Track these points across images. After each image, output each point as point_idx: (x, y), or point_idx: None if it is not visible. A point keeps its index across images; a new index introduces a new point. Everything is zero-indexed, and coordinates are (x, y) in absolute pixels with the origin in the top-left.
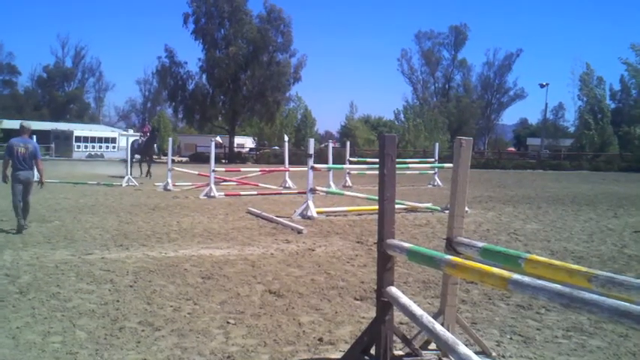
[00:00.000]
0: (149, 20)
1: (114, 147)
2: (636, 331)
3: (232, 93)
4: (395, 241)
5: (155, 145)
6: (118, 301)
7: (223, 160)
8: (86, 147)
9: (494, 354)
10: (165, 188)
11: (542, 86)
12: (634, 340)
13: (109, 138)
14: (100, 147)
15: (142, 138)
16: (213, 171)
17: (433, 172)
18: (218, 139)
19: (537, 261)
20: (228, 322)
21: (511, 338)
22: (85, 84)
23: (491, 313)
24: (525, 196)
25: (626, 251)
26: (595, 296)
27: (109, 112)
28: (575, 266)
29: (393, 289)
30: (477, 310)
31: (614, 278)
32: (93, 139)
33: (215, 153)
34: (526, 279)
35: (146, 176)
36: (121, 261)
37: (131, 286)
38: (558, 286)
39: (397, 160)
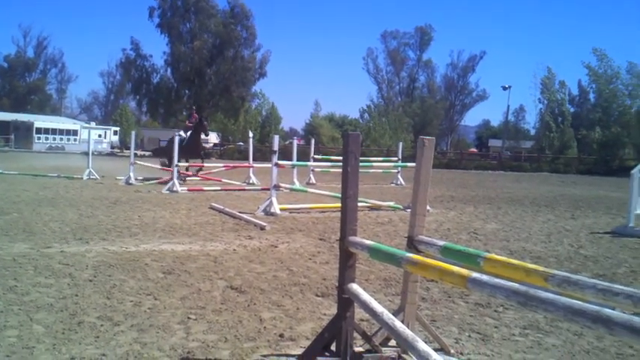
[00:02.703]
0: (114, 12)
1: (75, 139)
2: (590, 329)
3: (197, 88)
4: (357, 239)
5: (201, 141)
6: (76, 295)
7: None
8: (47, 139)
9: (452, 351)
10: (128, 182)
11: (504, 89)
12: (588, 339)
13: (70, 130)
14: (62, 139)
15: (182, 132)
16: (177, 166)
17: (396, 171)
18: (182, 133)
19: (496, 260)
20: (188, 318)
21: (469, 336)
22: (46, 75)
23: (450, 311)
24: (486, 196)
25: (582, 252)
26: (551, 295)
27: (71, 104)
28: (533, 265)
29: (354, 286)
30: (436, 307)
31: (569, 278)
32: (54, 131)
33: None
34: (484, 277)
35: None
36: (80, 255)
37: (90, 281)
38: (515, 285)
39: (361, 158)
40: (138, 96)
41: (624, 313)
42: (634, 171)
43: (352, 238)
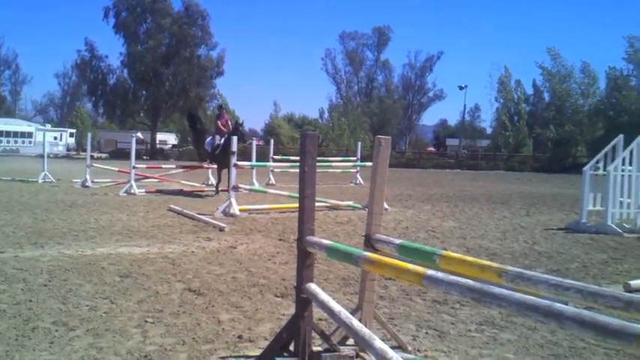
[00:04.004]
0: (69, 13)
1: (30, 142)
2: (543, 323)
3: (154, 88)
4: (314, 239)
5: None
6: (30, 300)
7: (145, 157)
8: (0, 142)
9: (410, 348)
10: (84, 185)
11: (460, 88)
12: (542, 333)
13: (25, 133)
14: (16, 142)
15: (218, 136)
16: (134, 167)
17: (355, 170)
18: (139, 135)
19: (451, 257)
20: (146, 321)
21: (427, 332)
22: (0, 76)
23: (408, 309)
24: (444, 194)
25: (536, 248)
26: (504, 291)
27: (25, 106)
28: (487, 262)
29: (313, 286)
30: (394, 305)
31: (523, 273)
32: (8, 134)
33: (136, 149)
34: (439, 274)
35: (218, 192)
36: (35, 259)
37: (45, 285)
38: (470, 282)
39: (320, 158)
40: (94, 97)
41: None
42: (586, 168)
43: (310, 238)
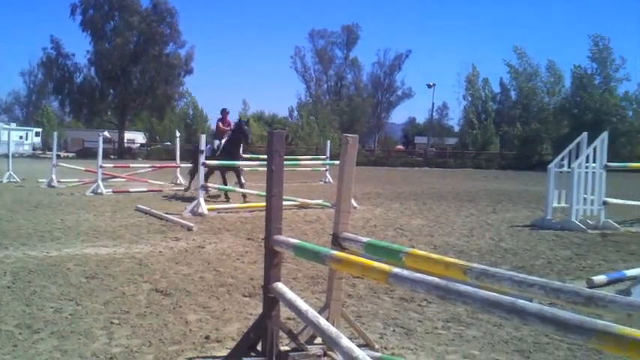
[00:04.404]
0: (35, 10)
1: None
2: (507, 320)
3: (122, 86)
4: (282, 238)
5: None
6: None
7: (112, 156)
8: None
9: (377, 346)
10: (50, 185)
11: (429, 86)
12: (507, 329)
13: None
14: None
15: (217, 141)
16: (101, 167)
17: (325, 169)
18: (106, 133)
19: (417, 255)
20: (112, 323)
21: (394, 330)
22: None
23: (375, 307)
24: (412, 192)
25: (502, 245)
26: (469, 288)
27: None
28: (452, 259)
29: (280, 285)
30: (362, 303)
31: (487, 270)
32: None
33: (103, 148)
34: (405, 272)
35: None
36: None
37: (9, 287)
38: (435, 279)
39: (289, 157)
40: (60, 96)
41: (541, 303)
42: (551, 166)
43: (277, 237)
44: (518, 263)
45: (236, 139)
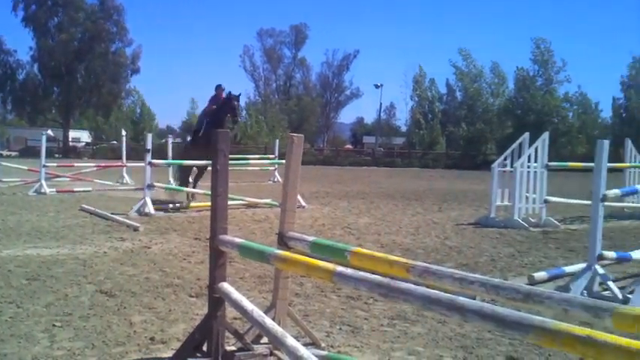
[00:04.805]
0: None
1: None
2: (448, 317)
3: (66, 84)
4: (227, 237)
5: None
6: None
7: (57, 155)
8: None
9: (323, 345)
10: None
11: (377, 87)
12: (451, 326)
13: None
14: None
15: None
16: (45, 166)
17: (273, 168)
18: (50, 132)
19: (362, 253)
20: (54, 325)
21: (340, 328)
22: None
23: (323, 305)
24: (360, 191)
25: (447, 243)
26: (410, 285)
27: None
28: (396, 257)
29: (225, 285)
30: (309, 302)
31: (429, 268)
32: None
33: (47, 147)
34: (349, 271)
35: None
36: None
37: None
38: (378, 277)
39: (238, 156)
40: (2, 93)
41: (483, 300)
42: (494, 165)
43: (222, 237)
44: (463, 261)
45: (220, 117)
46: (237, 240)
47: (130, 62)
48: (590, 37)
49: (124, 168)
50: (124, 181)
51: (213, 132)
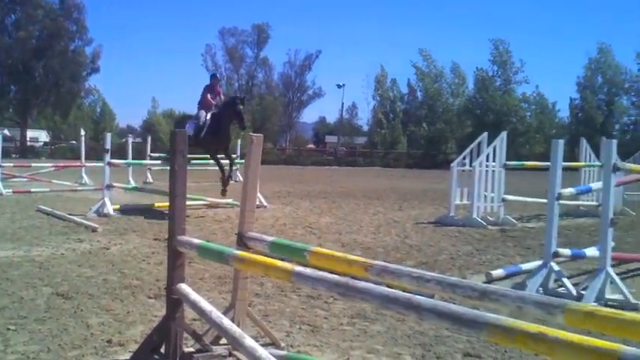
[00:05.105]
0: None
1: None
2: (405, 315)
3: (24, 83)
4: (185, 238)
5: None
6: None
7: (14, 155)
8: None
9: (283, 344)
10: None
11: (339, 86)
12: (409, 324)
13: None
14: None
15: (203, 112)
16: (0, 166)
17: (235, 167)
18: (6, 132)
19: (321, 253)
20: (8, 329)
21: (300, 328)
22: None
23: (283, 305)
24: (322, 191)
25: (407, 241)
26: (368, 284)
27: None
28: (355, 257)
29: (184, 286)
30: (269, 302)
31: (387, 267)
32: None
33: (3, 147)
34: (308, 271)
35: (224, 187)
36: None
37: None
38: (336, 277)
39: (199, 156)
40: None
41: (442, 299)
42: (453, 164)
43: (181, 238)
44: (423, 259)
45: (225, 117)
46: (196, 241)
47: (89, 61)
48: (547, 39)
49: (83, 168)
50: (83, 182)
51: (219, 127)
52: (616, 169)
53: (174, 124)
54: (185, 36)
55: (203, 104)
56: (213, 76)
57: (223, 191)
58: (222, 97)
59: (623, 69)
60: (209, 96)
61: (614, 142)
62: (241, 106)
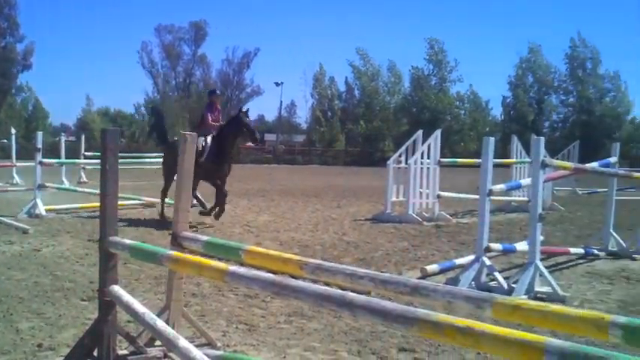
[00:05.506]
0: None
1: None
2: (339, 312)
3: None
4: (117, 239)
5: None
6: None
7: None
8: None
9: (219, 344)
10: None
11: (277, 84)
12: (346, 321)
13: None
14: None
15: (201, 138)
16: None
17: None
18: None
19: (255, 252)
20: None
21: (237, 327)
22: None
23: (220, 305)
24: (260, 189)
25: (345, 238)
26: (301, 283)
27: None
28: (289, 255)
29: (116, 288)
30: (206, 302)
31: (321, 265)
32: None
33: None
34: (242, 270)
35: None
36: None
37: None
38: (270, 276)
39: (136, 154)
40: None
41: (376, 296)
42: (389, 162)
43: (112, 238)
44: (360, 255)
45: (230, 137)
46: (128, 241)
47: (21, 58)
48: (480, 38)
49: (14, 168)
50: (14, 182)
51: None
52: (544, 165)
53: (166, 148)
54: (120, 33)
55: (202, 127)
56: (212, 93)
57: (217, 215)
58: (220, 115)
59: (552, 68)
60: (210, 117)
61: (542, 139)
62: (248, 118)
